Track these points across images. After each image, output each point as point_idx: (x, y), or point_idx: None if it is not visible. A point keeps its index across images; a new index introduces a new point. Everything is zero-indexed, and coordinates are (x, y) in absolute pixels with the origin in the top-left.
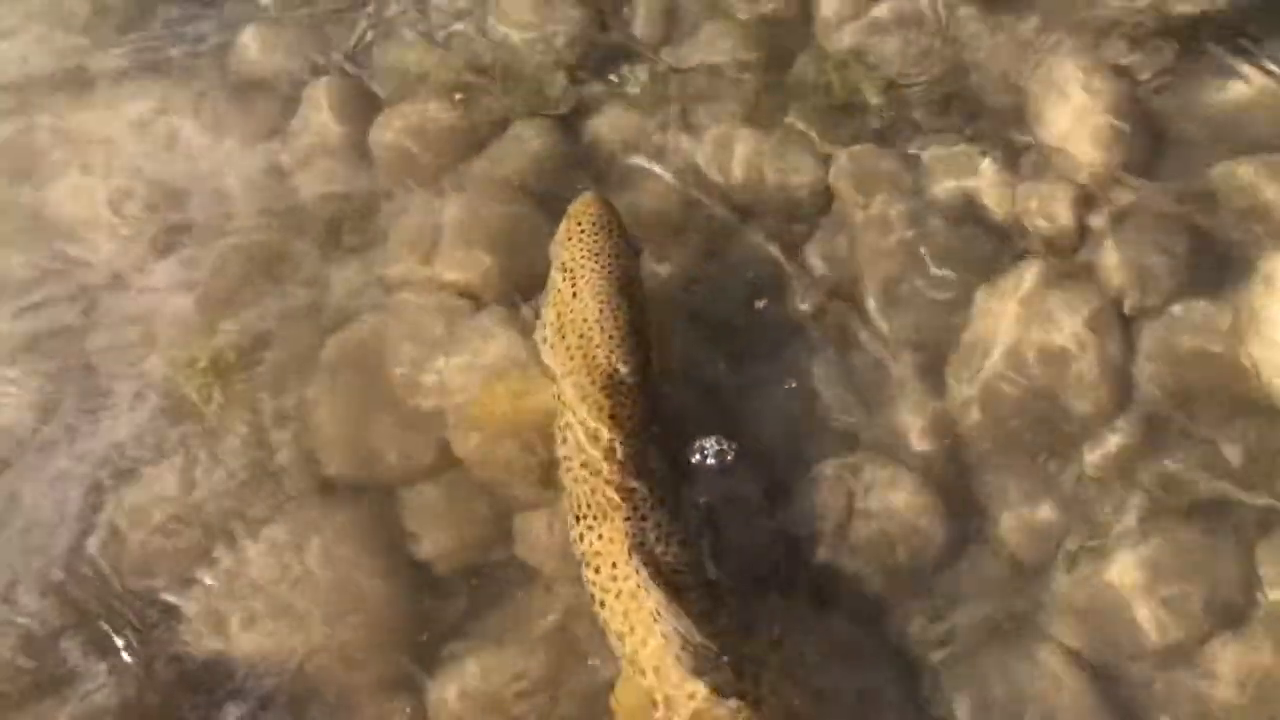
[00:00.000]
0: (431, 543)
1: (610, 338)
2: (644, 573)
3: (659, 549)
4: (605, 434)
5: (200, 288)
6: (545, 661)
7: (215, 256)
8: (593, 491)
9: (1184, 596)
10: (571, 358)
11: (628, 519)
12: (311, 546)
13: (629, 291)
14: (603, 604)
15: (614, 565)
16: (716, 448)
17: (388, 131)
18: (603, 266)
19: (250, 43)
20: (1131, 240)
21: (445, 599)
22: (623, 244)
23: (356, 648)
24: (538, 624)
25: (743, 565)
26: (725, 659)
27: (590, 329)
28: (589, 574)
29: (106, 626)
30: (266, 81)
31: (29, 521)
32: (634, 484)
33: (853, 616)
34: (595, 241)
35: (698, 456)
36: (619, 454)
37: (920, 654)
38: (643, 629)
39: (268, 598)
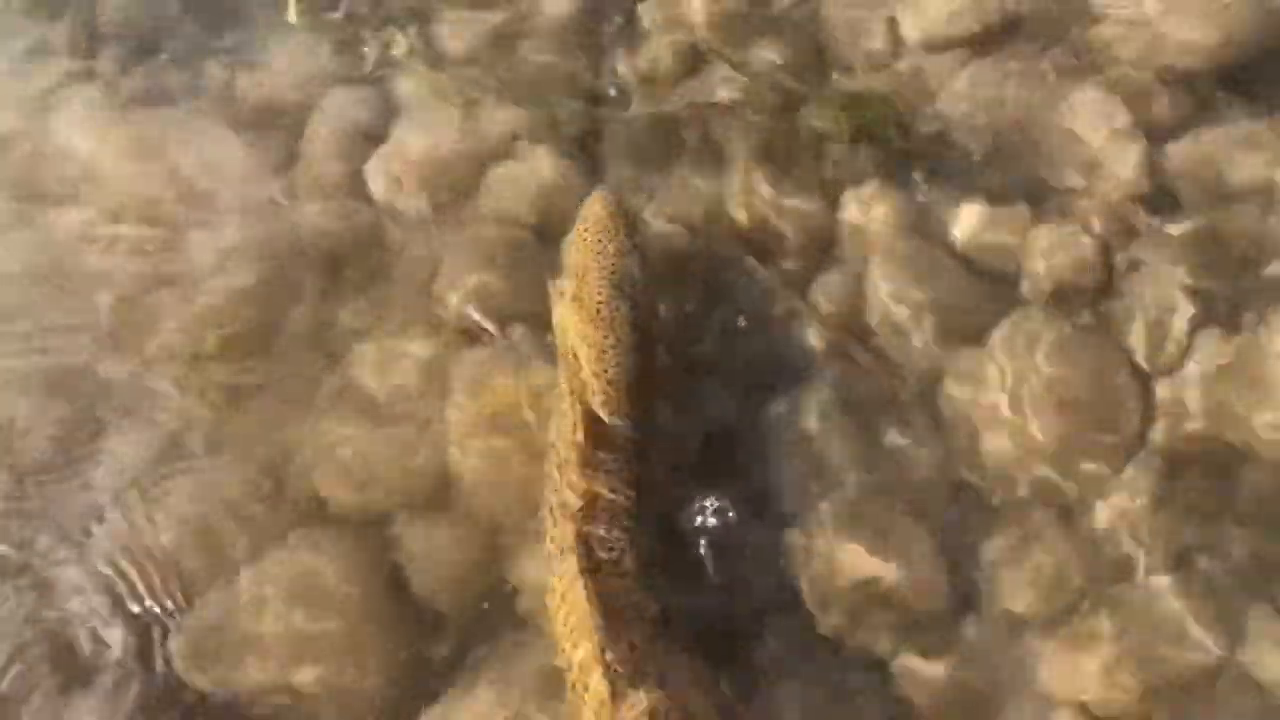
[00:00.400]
0: (427, 576)
1: (605, 338)
2: (586, 582)
3: (605, 555)
4: (581, 431)
5: (199, 319)
6: (538, 700)
7: (215, 288)
8: (559, 486)
9: (1192, 651)
10: (571, 356)
11: (582, 522)
12: (305, 577)
13: (630, 292)
14: (551, 597)
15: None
16: (716, 504)
17: (392, 162)
18: (603, 267)
19: (256, 74)
20: (1146, 287)
21: (439, 633)
22: (626, 245)
23: (348, 679)
24: (531, 661)
25: (738, 606)
26: (655, 689)
27: (587, 329)
28: (549, 561)
29: (97, 648)
30: (271, 111)
31: (21, 547)
32: (599, 488)
33: (851, 666)
34: (599, 242)
35: (699, 518)
36: (590, 455)
37: (920, 708)
38: (579, 635)
39: (258, 627)
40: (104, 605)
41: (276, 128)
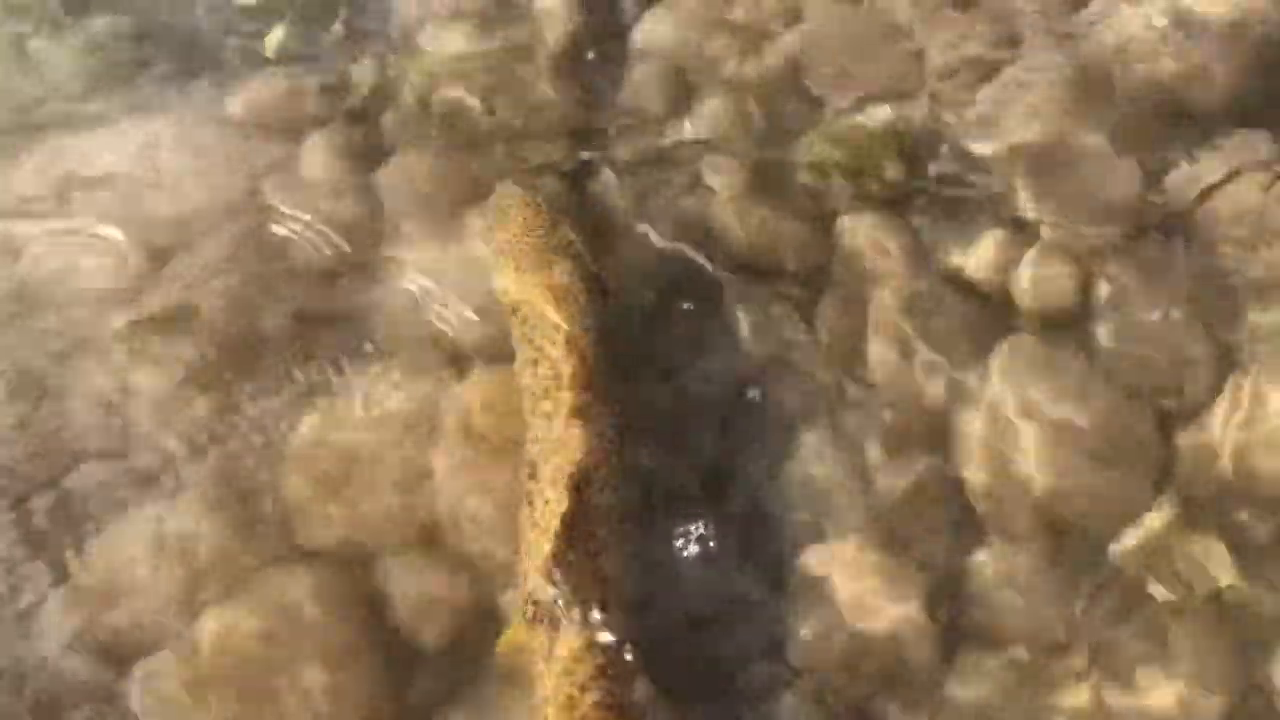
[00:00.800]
0: (409, 620)
1: (556, 298)
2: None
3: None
4: (568, 370)
5: (177, 351)
6: None
7: (194, 320)
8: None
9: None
10: (524, 322)
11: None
12: (284, 616)
13: (571, 254)
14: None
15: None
16: (700, 532)
17: (383, 186)
18: (540, 238)
19: (245, 97)
20: (1155, 322)
21: (424, 678)
22: (554, 214)
23: None
24: (519, 706)
25: (720, 646)
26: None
27: (535, 293)
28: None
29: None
30: (255, 142)
31: None
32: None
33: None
34: (525, 220)
35: (680, 542)
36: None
37: None
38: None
39: (234, 674)
40: (66, 647)
41: (259, 161)
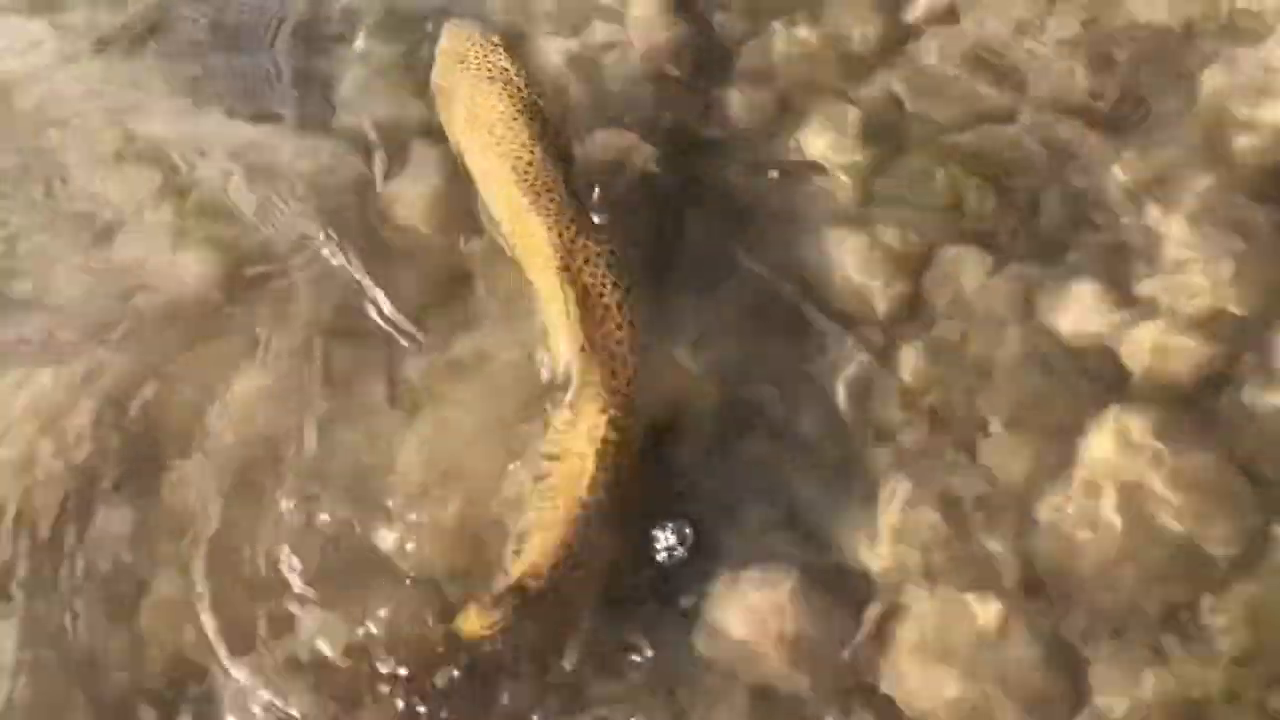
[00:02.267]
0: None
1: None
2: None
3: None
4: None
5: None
6: None
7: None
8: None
9: None
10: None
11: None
12: None
13: (504, 80)
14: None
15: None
16: (676, 532)
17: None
18: (506, 83)
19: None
20: (1250, 393)
21: None
22: (490, 44)
23: None
24: None
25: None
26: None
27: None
28: None
29: None
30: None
31: None
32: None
33: None
34: (461, 53)
35: (662, 553)
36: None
37: None
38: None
39: None
40: None
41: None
